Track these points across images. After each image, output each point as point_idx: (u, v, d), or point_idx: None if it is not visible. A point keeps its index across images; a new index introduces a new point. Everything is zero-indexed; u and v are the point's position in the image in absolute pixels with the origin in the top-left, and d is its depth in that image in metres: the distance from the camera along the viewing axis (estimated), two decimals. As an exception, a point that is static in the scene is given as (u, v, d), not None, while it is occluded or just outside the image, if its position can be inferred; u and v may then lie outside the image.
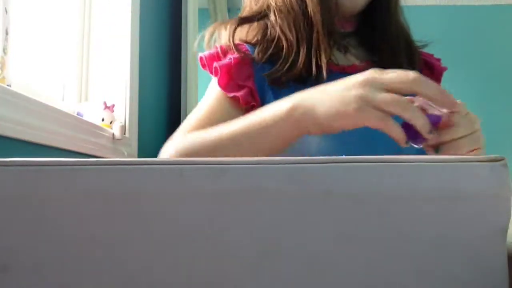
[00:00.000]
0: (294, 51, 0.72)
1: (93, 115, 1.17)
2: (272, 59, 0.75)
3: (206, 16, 2.69)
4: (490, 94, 4.08)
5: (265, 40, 0.77)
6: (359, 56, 0.82)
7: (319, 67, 0.70)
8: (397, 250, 0.35)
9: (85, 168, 0.37)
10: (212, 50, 0.81)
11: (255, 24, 0.79)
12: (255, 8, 0.80)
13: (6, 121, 0.72)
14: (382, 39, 0.80)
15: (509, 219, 0.35)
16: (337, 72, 0.72)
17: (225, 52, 0.79)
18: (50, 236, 0.37)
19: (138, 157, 1.42)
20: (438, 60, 0.88)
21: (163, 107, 1.82)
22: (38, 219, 0.36)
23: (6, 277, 0.36)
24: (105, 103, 1.22)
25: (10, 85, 0.81)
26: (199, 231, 0.36)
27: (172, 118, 1.92)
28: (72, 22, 1.26)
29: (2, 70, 0.77)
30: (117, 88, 1.31)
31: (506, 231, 0.35)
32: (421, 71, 0.77)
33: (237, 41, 0.80)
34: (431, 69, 0.86)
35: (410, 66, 0.76)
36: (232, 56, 0.77)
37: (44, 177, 0.37)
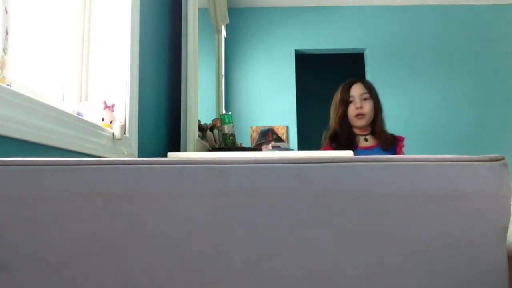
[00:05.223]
0: None
1: (93, 115, 1.17)
2: None
3: (206, 16, 2.69)
4: (490, 94, 4.08)
5: None
6: (373, 141, 1.94)
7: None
8: (397, 249, 0.35)
9: (85, 168, 0.37)
10: None
11: None
12: None
13: (6, 121, 0.72)
14: (379, 133, 1.94)
15: (509, 218, 0.35)
16: (362, 149, 1.90)
17: None
18: (50, 235, 0.37)
19: (138, 157, 1.42)
20: (401, 138, 1.99)
21: (163, 107, 1.81)
22: (38, 218, 0.36)
23: (6, 276, 0.36)
24: (105, 103, 1.22)
25: (10, 85, 0.81)
26: (199, 231, 0.36)
27: (172, 118, 1.92)
28: (72, 22, 1.26)
29: (2, 70, 0.77)
30: (117, 88, 1.31)
31: (506, 231, 0.35)
32: (394, 145, 1.94)
33: None
34: (397, 141, 1.96)
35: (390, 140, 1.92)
36: None
37: (44, 177, 0.37)
